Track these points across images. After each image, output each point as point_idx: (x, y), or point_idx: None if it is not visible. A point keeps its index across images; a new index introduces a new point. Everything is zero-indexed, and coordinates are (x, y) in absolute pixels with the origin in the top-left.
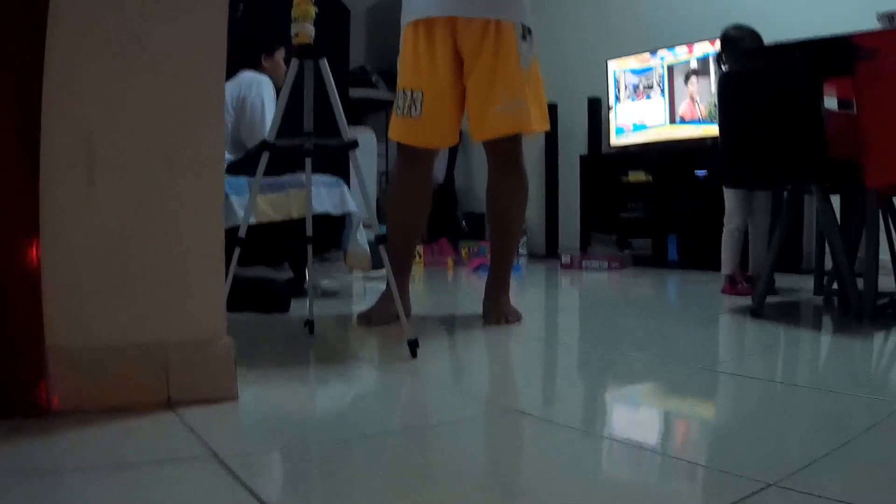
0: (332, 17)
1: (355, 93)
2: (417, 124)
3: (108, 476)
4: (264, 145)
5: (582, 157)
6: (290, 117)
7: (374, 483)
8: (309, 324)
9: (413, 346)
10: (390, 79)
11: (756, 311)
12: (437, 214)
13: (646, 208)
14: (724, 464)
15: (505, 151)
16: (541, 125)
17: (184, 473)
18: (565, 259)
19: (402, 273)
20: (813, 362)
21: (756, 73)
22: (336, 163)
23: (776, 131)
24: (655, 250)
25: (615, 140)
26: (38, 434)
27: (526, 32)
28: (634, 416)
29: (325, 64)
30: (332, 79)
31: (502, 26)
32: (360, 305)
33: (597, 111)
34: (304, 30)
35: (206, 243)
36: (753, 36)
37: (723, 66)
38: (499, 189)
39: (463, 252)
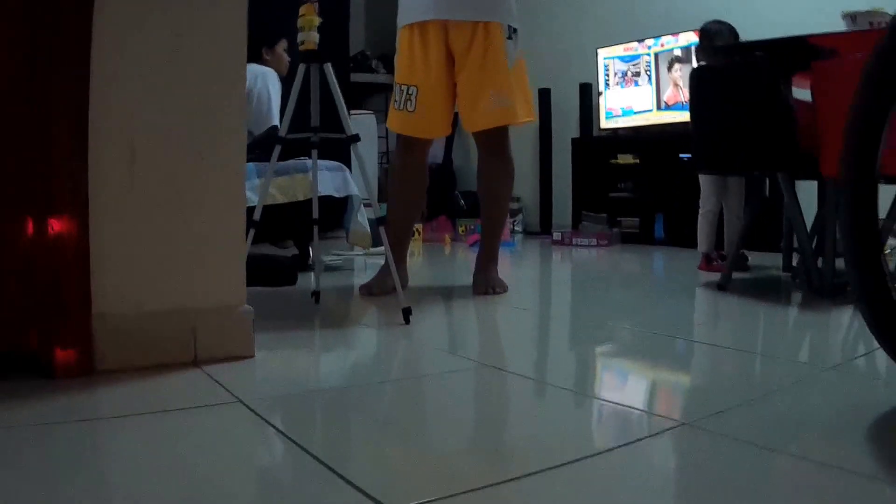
0: (332, 3)
1: (356, 77)
2: (413, 117)
3: (146, 421)
4: (277, 138)
5: (574, 140)
6: (298, 113)
7: (369, 420)
8: (315, 294)
9: (406, 313)
10: (389, 63)
11: (722, 286)
12: (436, 193)
13: (634, 189)
14: (653, 407)
15: (493, 141)
16: (526, 117)
17: (214, 416)
18: (556, 236)
19: (400, 248)
20: (759, 330)
21: (724, 69)
22: (339, 150)
23: (743, 122)
24: (643, 228)
25: (605, 123)
26: (85, 388)
27: (512, 32)
28: (587, 371)
29: (328, 68)
30: (335, 81)
31: (490, 27)
32: (362, 278)
33: (587, 96)
34: (310, 37)
35: (230, 223)
36: (731, 31)
37: (698, 58)
38: (488, 174)
39: (460, 229)
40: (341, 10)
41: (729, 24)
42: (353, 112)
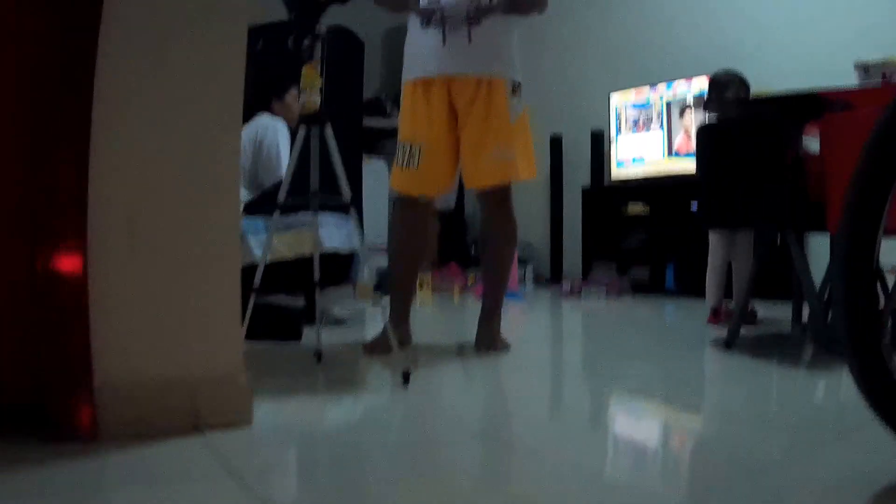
0: (348, 50)
1: (370, 122)
2: (416, 175)
3: (144, 490)
4: (276, 204)
5: (584, 190)
6: (299, 172)
7: (363, 496)
8: (318, 354)
9: (406, 376)
10: None
11: (729, 343)
12: (447, 240)
13: (644, 238)
14: (652, 485)
15: (495, 199)
16: (528, 174)
17: (207, 488)
18: (566, 286)
19: (403, 306)
20: (770, 393)
21: (734, 124)
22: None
23: (752, 178)
24: (653, 278)
25: (616, 172)
26: (85, 454)
27: (516, 87)
28: (582, 443)
29: (329, 130)
30: (335, 143)
31: (494, 83)
32: (367, 332)
33: (599, 144)
34: (311, 98)
35: (226, 295)
36: (742, 82)
37: (706, 108)
38: (490, 231)
39: (470, 279)
40: (355, 57)
41: (740, 75)
42: (365, 158)
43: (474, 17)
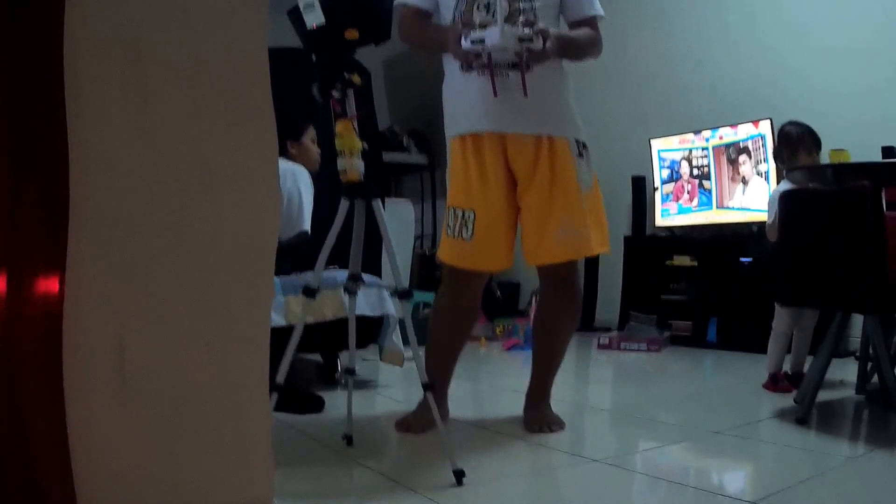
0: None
1: (388, 157)
2: (469, 247)
3: None
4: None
5: (626, 238)
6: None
7: None
8: (348, 438)
9: (459, 475)
10: (420, 140)
11: (802, 420)
12: None
13: (688, 290)
14: None
15: (561, 274)
16: (601, 248)
17: None
18: (604, 340)
19: (440, 384)
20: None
21: (820, 196)
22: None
23: (835, 256)
24: (695, 331)
25: (660, 221)
26: None
27: (582, 149)
28: None
29: (378, 204)
30: (384, 219)
31: (556, 143)
32: (393, 397)
33: (640, 190)
34: (353, 166)
35: (251, 416)
36: (811, 135)
37: (781, 164)
38: (552, 310)
39: (497, 330)
40: (365, 89)
41: (808, 127)
42: (388, 200)
43: (527, 63)
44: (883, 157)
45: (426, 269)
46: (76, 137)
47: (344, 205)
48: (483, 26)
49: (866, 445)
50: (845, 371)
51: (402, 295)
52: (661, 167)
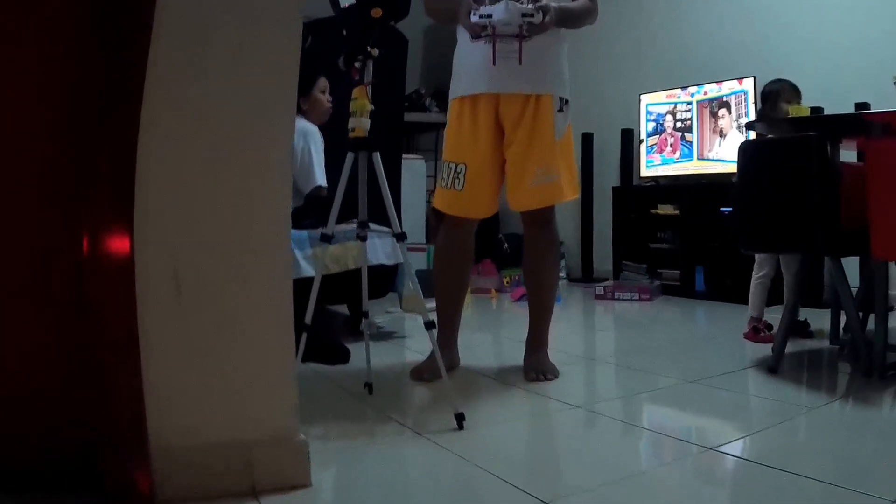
0: (392, 46)
1: (409, 117)
2: (460, 196)
3: None
4: (318, 215)
5: (614, 189)
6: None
7: None
8: (368, 385)
9: (460, 419)
10: (442, 100)
11: (773, 369)
12: (481, 237)
13: (673, 239)
14: None
15: (538, 218)
16: (571, 194)
17: None
18: (599, 290)
19: (449, 330)
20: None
21: (773, 144)
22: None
23: (789, 202)
24: (683, 280)
25: (645, 171)
26: None
27: (563, 104)
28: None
29: (377, 157)
30: (383, 171)
31: (541, 99)
32: (415, 343)
33: (629, 142)
34: (361, 124)
35: (279, 353)
36: (792, 88)
37: (756, 122)
38: (533, 250)
39: (505, 280)
40: (400, 54)
41: (789, 82)
42: (405, 157)
43: (526, 35)
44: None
45: (439, 221)
46: (147, 118)
47: (349, 157)
48: (493, 1)
49: (827, 395)
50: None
51: (398, 237)
52: (648, 120)
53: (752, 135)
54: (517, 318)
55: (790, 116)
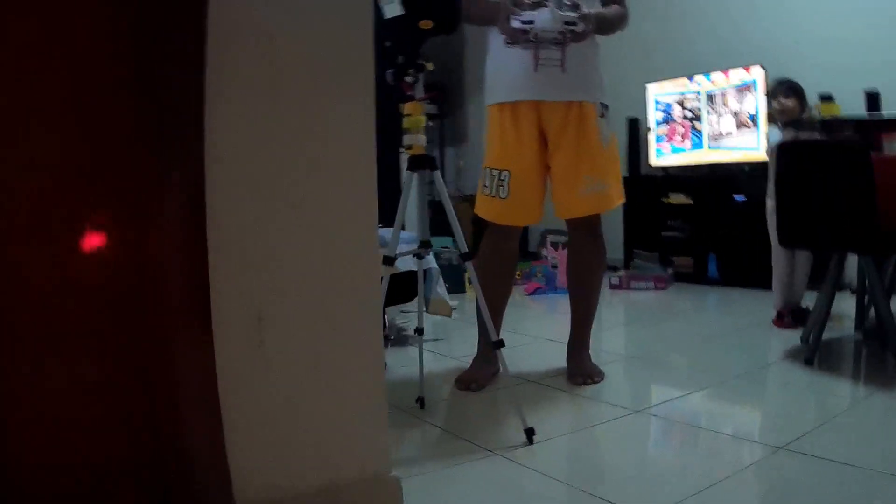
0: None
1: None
2: (505, 204)
3: None
4: (385, 259)
5: (623, 179)
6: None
7: None
8: (420, 400)
9: (529, 434)
10: (439, 92)
11: (809, 360)
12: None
13: (685, 228)
14: None
15: (587, 227)
16: (620, 200)
17: None
18: (614, 280)
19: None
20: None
21: (813, 146)
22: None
23: (829, 202)
24: (696, 267)
25: (655, 161)
26: None
27: (604, 110)
28: None
29: (438, 176)
30: (445, 189)
31: (584, 107)
32: (440, 347)
33: (636, 131)
34: (418, 141)
35: (371, 394)
36: (787, 88)
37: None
38: (580, 257)
39: (517, 274)
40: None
41: (787, 82)
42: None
43: (567, 42)
44: (866, 101)
45: (436, 214)
46: (211, 127)
47: (408, 177)
48: (535, 5)
49: (866, 388)
50: (841, 305)
51: (464, 258)
52: (657, 110)
53: (776, 130)
54: (536, 314)
55: (825, 118)
